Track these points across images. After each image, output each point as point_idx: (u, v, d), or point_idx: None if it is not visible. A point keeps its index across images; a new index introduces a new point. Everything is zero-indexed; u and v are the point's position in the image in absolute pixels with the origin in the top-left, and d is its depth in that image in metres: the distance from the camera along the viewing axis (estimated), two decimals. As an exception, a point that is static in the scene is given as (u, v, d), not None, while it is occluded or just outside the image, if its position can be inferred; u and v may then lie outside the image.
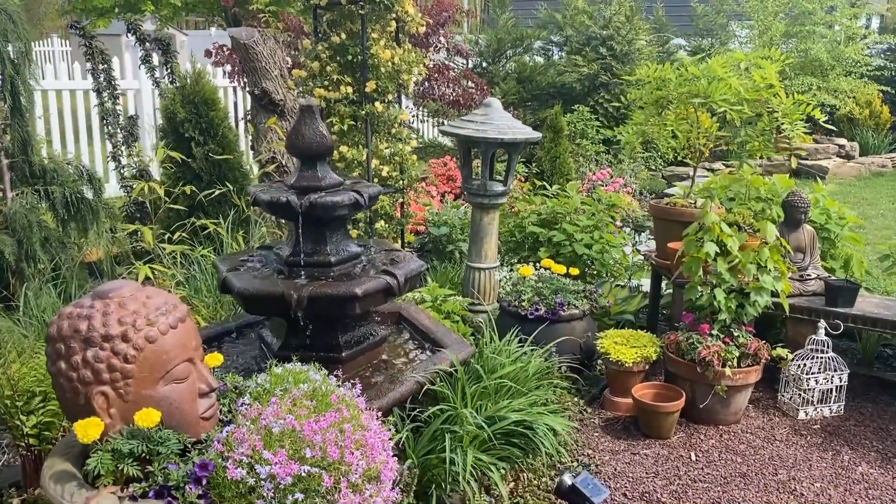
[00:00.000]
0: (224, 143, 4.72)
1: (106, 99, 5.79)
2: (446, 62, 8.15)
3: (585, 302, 3.63)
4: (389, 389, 2.57)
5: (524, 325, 3.50)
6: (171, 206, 4.52)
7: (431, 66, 7.54)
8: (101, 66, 5.82)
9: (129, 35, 5.93)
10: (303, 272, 2.69)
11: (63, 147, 7.56)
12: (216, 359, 2.20)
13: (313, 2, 3.97)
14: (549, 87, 9.68)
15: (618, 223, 6.87)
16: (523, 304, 3.55)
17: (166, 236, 4.22)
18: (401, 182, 4.31)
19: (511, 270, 4.60)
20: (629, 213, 7.09)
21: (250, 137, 6.87)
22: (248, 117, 6.81)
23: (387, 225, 4.27)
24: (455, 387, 2.77)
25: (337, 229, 2.79)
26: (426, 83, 7.59)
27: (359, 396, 2.23)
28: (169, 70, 5.84)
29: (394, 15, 4.09)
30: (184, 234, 4.15)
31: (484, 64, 9.84)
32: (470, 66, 10.01)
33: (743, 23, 12.41)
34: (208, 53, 7.83)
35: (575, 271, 3.78)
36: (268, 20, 7.41)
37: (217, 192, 4.32)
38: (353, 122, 4.12)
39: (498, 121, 4.04)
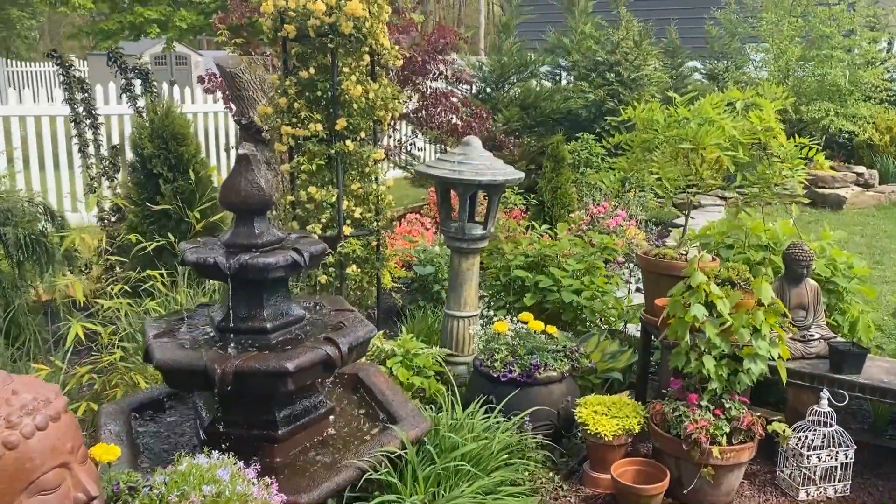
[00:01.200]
0: (195, 180, 4.48)
1: (84, 129, 5.60)
2: (450, 88, 7.91)
3: (565, 362, 3.32)
4: (324, 479, 2.28)
5: (496, 387, 3.20)
6: (142, 245, 4.29)
7: (429, 93, 7.29)
8: (79, 95, 5.65)
9: (110, 63, 5.73)
10: (233, 341, 2.42)
11: (42, 173, 7.36)
12: (110, 453, 1.93)
13: (281, 34, 3.73)
14: (553, 114, 9.40)
15: (620, 258, 6.56)
16: (496, 364, 3.25)
17: (133, 277, 3.96)
18: (375, 223, 4.04)
19: (490, 322, 4.31)
20: (633, 246, 6.77)
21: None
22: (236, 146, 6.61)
23: (359, 270, 3.99)
24: (406, 471, 2.47)
25: (276, 291, 2.51)
26: (425, 111, 7.35)
27: (277, 495, 1.95)
28: (138, 100, 5.62)
29: (367, 48, 3.84)
30: (157, 274, 3.88)
31: (488, 90, 9.58)
32: (474, 91, 9.78)
33: (758, 46, 12.09)
34: (201, 80, 7.65)
35: (552, 330, 3.47)
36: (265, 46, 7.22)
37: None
38: (322, 162, 3.86)
39: (477, 160, 3.76)
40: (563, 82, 11.10)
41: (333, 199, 3.84)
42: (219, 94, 7.57)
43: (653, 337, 3.46)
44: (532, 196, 7.53)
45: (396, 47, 3.99)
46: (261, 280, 2.40)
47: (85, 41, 12.63)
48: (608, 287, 4.33)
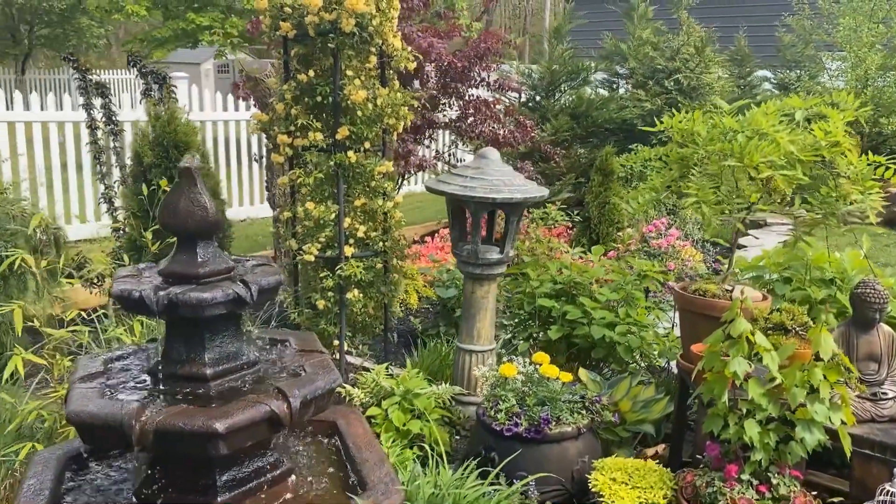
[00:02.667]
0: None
1: (100, 136, 5.38)
2: (497, 96, 7.46)
3: (584, 415, 2.83)
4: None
5: (499, 442, 2.74)
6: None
7: (471, 100, 6.87)
8: (101, 101, 5.44)
9: (131, 68, 5.51)
10: (163, 390, 2.03)
11: (65, 176, 7.19)
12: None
13: (279, 33, 3.36)
14: (607, 123, 8.85)
15: (670, 284, 5.99)
16: (499, 415, 2.79)
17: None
18: (381, 244, 3.63)
19: (512, 352, 3.84)
20: (687, 268, 6.20)
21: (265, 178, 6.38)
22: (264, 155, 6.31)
23: (362, 295, 3.58)
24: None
25: (221, 330, 2.12)
26: (466, 119, 6.93)
27: None
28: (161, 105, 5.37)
29: (373, 49, 3.44)
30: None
31: (537, 98, 9.09)
32: (523, 99, 9.31)
33: (834, 54, 11.26)
34: (235, 86, 7.41)
35: (582, 374, 2.99)
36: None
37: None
38: (321, 175, 3.47)
39: (492, 175, 3.32)
40: (621, 90, 10.52)
41: (333, 216, 3.44)
42: (249, 103, 7.31)
43: (690, 388, 2.94)
44: (577, 213, 7.02)
45: (409, 48, 3.58)
46: (198, 318, 2.00)
47: (140, 48, 12.67)
48: (647, 320, 3.82)
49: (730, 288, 2.85)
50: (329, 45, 3.30)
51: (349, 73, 3.41)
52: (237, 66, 4.15)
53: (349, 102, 3.35)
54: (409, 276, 5.84)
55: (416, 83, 6.70)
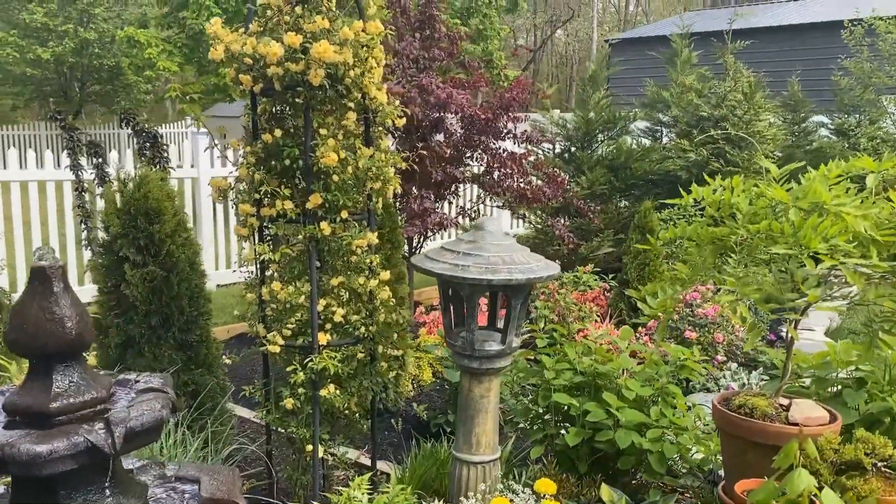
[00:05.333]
0: (171, 264, 3.69)
1: (87, 200, 5.01)
2: (528, 148, 6.94)
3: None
4: None
5: None
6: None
7: (496, 153, 6.35)
8: (92, 160, 5.09)
9: (125, 126, 5.17)
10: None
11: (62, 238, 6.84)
12: None
13: (243, 87, 2.89)
14: (647, 175, 8.23)
15: (719, 358, 5.29)
16: (485, 569, 2.17)
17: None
18: (363, 330, 3.07)
19: (506, 473, 3.22)
20: (740, 342, 5.49)
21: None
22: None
23: (339, 392, 3.01)
24: None
25: (82, 485, 1.58)
26: (492, 174, 6.40)
27: None
28: (164, 164, 4.99)
29: (351, 104, 2.94)
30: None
31: (572, 149, 8.54)
32: (557, 150, 8.77)
33: (897, 97, 10.50)
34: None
35: (605, 493, 2.36)
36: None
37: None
38: (289, 251, 2.96)
39: (489, 251, 2.76)
40: (664, 140, 9.89)
41: (299, 299, 2.91)
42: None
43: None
44: (613, 276, 6.37)
45: (397, 102, 3.08)
46: (38, 477, 1.47)
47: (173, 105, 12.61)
48: (684, 420, 3.16)
49: (785, 403, 2.20)
50: (297, 99, 2.82)
51: (322, 131, 2.91)
52: (221, 131, 3.70)
53: (321, 165, 2.85)
54: (420, 349, 5.27)
55: (439, 136, 6.24)
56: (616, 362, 3.21)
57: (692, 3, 34.65)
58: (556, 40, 38.70)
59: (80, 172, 4.95)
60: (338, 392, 3.00)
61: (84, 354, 1.62)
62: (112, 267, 3.74)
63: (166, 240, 3.72)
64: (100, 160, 5.15)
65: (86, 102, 23.08)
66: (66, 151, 4.90)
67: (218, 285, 7.47)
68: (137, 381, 1.75)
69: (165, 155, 4.88)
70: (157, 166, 4.88)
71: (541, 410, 3.39)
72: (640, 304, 2.51)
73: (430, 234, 6.07)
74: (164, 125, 21.75)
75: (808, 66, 13.35)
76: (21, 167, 6.39)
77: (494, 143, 6.34)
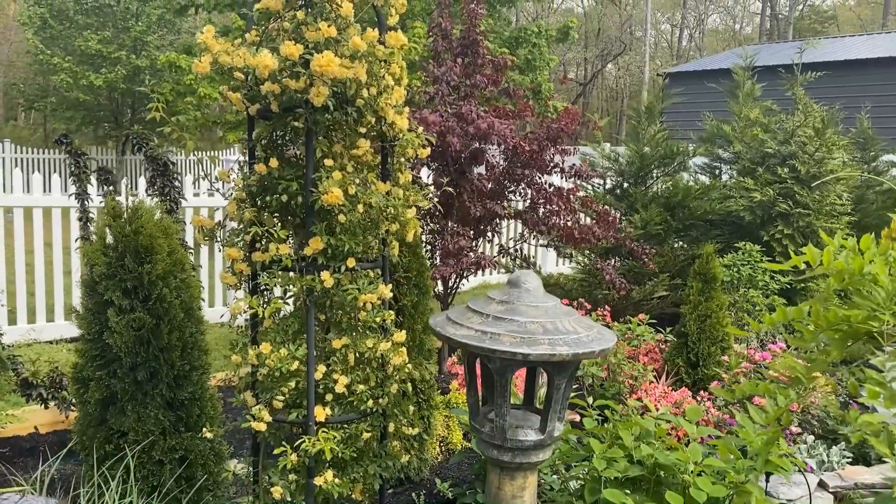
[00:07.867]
0: (162, 310, 3.20)
1: (93, 231, 4.59)
2: (576, 183, 6.35)
3: None
4: None
5: None
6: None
7: (544, 189, 5.79)
8: (102, 188, 4.69)
9: (137, 153, 4.76)
10: None
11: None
12: None
13: (235, 108, 2.41)
14: (707, 215, 7.57)
15: (793, 429, 4.59)
16: None
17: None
18: (370, 403, 2.52)
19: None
20: (811, 409, 4.81)
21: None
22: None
23: (338, 480, 2.46)
24: None
25: None
26: (536, 210, 5.84)
27: None
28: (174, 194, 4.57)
29: (362, 130, 2.43)
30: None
31: (625, 185, 7.92)
32: (609, 186, 8.16)
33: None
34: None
35: None
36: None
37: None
38: (283, 305, 2.44)
39: (526, 314, 2.19)
40: (724, 177, 9.20)
41: (295, 365, 2.38)
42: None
43: None
44: (670, 328, 5.72)
45: (420, 129, 2.55)
46: None
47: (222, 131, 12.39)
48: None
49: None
50: (296, 123, 2.32)
51: (328, 162, 2.40)
52: (212, 160, 3.15)
53: (323, 203, 2.33)
54: (450, 406, 4.68)
55: (480, 169, 5.72)
56: (683, 455, 2.58)
57: (745, 40, 33.88)
58: (607, 74, 38.19)
59: (86, 200, 4.54)
60: (337, 481, 2.44)
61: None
62: (96, 311, 3.27)
63: (158, 282, 3.24)
64: (110, 188, 4.75)
65: (136, 128, 23.28)
66: (71, 178, 4.50)
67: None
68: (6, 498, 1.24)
69: (177, 185, 4.45)
70: (167, 197, 4.44)
71: (587, 504, 2.78)
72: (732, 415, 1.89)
73: (465, 273, 5.53)
74: (210, 151, 21.77)
75: (878, 103, 12.53)
76: (24, 191, 6.03)
77: (540, 177, 5.79)
